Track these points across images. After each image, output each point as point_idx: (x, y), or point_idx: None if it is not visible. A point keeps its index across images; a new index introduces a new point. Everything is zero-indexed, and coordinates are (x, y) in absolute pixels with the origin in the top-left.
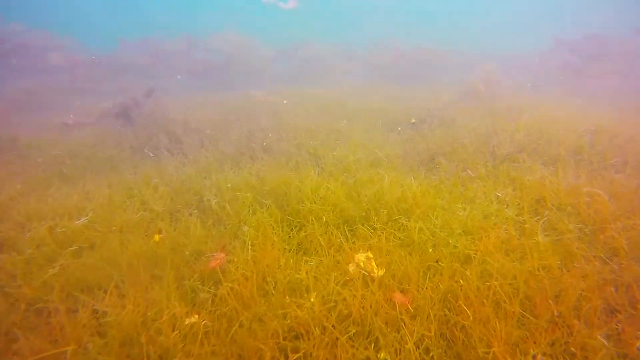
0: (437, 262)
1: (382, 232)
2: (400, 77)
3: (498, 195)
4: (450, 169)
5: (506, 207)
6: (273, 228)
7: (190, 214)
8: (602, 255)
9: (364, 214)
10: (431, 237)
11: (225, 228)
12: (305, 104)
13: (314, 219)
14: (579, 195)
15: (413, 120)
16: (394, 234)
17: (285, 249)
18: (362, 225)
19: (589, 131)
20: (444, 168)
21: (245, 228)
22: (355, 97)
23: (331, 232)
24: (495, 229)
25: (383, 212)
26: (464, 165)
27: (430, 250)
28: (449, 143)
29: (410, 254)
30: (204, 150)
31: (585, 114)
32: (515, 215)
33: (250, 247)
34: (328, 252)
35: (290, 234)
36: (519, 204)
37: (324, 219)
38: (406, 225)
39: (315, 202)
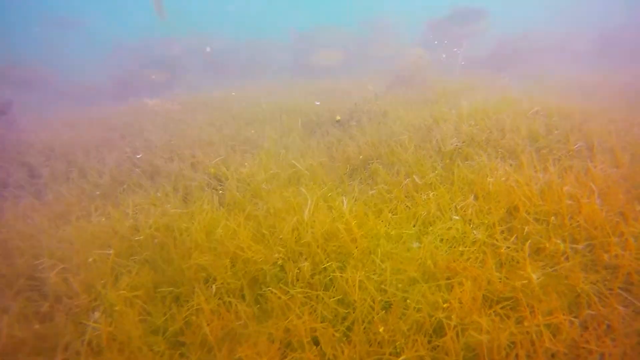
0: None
1: (306, 297)
2: (325, 70)
3: (458, 209)
4: (391, 176)
5: (472, 227)
6: (142, 306)
7: (14, 299)
8: (621, 291)
9: (278, 266)
10: (379, 295)
11: (68, 317)
12: (210, 110)
13: (203, 283)
14: (559, 199)
15: (338, 118)
16: (322, 298)
17: (153, 349)
18: (277, 286)
19: (539, 114)
20: (382, 176)
21: (97, 314)
22: (273, 96)
23: (229, 305)
24: (468, 267)
25: (305, 260)
26: (406, 169)
27: (381, 329)
28: (383, 142)
29: (348, 335)
30: (70, 184)
31: (525, 95)
32: (487, 237)
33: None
34: (219, 351)
35: (167, 315)
36: (487, 220)
37: (219, 281)
38: (340, 279)
39: (208, 252)
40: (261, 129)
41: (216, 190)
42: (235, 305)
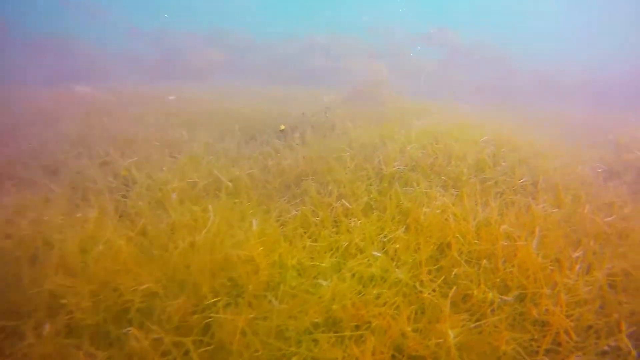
0: None
1: (174, 344)
2: (288, 78)
3: (386, 241)
4: (322, 196)
5: (397, 264)
6: None
7: None
8: (546, 356)
9: (149, 299)
10: (263, 347)
11: None
12: (146, 105)
13: (48, 315)
14: (496, 238)
15: (282, 127)
16: (194, 345)
17: None
18: (142, 325)
19: (490, 142)
20: (311, 196)
21: None
22: (221, 99)
23: (71, 349)
24: (382, 313)
25: (184, 293)
26: (340, 190)
27: None
28: (323, 158)
29: None
30: None
31: (480, 121)
32: (411, 278)
33: None
34: None
35: None
36: (414, 258)
37: (70, 315)
38: (220, 322)
39: (74, 274)
40: (196, 132)
41: (122, 196)
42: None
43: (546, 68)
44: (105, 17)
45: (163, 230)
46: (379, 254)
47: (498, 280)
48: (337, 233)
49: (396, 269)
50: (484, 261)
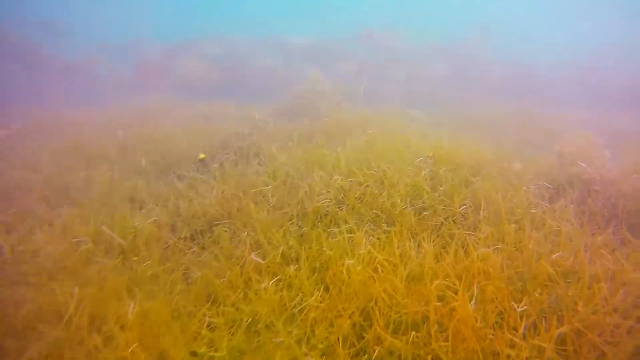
0: None
1: None
2: (216, 92)
3: (297, 313)
4: (234, 246)
5: (307, 347)
6: None
7: None
8: None
9: None
10: None
11: None
12: (50, 138)
13: None
14: (428, 297)
15: (202, 156)
16: None
17: None
18: None
19: (428, 161)
20: (222, 247)
21: None
22: (137, 122)
23: None
24: None
25: None
26: (256, 238)
27: None
28: (241, 195)
29: None
30: None
31: (420, 132)
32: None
33: None
34: None
35: None
36: (330, 335)
37: None
38: None
39: None
40: (99, 169)
41: None
42: None
43: (494, 67)
44: None
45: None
46: (280, 339)
47: (429, 358)
48: (245, 299)
49: (304, 357)
50: (412, 334)
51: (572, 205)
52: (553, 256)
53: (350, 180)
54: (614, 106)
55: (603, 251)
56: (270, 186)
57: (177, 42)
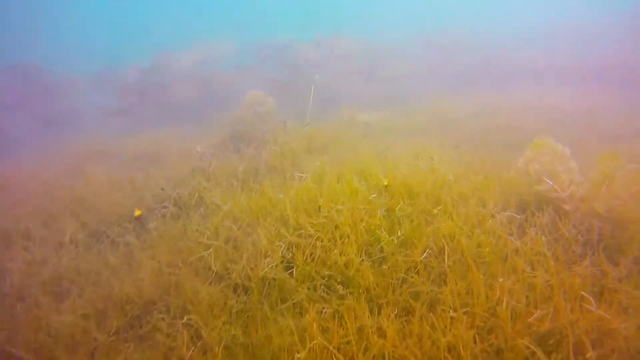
0: None
1: None
2: (149, 122)
3: None
4: (171, 340)
5: None
6: None
7: None
8: None
9: None
10: None
11: None
12: None
13: None
14: None
15: (138, 213)
16: None
17: None
18: None
19: (383, 194)
20: (159, 340)
21: None
22: (61, 174)
23: None
24: None
25: None
26: (194, 327)
27: None
28: (177, 267)
29: None
30: None
31: (373, 150)
32: None
33: None
34: None
35: None
36: None
37: None
38: None
39: None
40: (11, 251)
41: None
42: None
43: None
44: None
45: None
46: None
47: None
48: None
49: None
50: None
51: (543, 236)
52: (531, 318)
53: (299, 233)
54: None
55: (584, 294)
56: (212, 249)
57: (93, 72)
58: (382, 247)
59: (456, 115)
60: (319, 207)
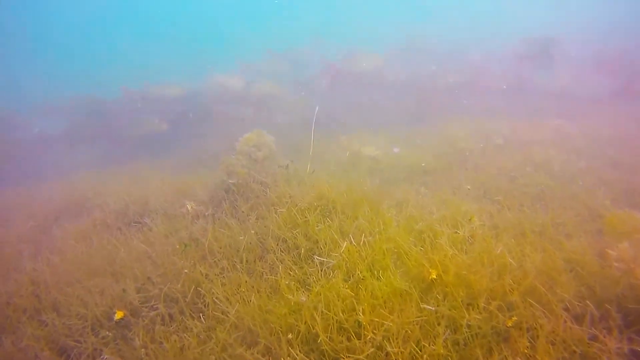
0: None
1: None
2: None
3: None
4: None
5: None
6: None
7: None
8: None
9: None
10: None
11: None
12: None
13: None
14: None
15: (119, 316)
16: None
17: None
18: None
19: (438, 300)
20: None
21: None
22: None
23: None
24: None
25: None
26: None
27: None
28: None
29: None
30: None
31: (406, 214)
32: None
33: None
34: None
35: None
36: None
37: None
38: None
39: None
40: None
41: None
42: None
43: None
44: None
45: None
46: None
47: None
48: None
49: None
50: None
51: None
52: None
53: None
54: None
55: None
56: None
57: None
58: None
59: (471, 147)
60: (358, 323)
